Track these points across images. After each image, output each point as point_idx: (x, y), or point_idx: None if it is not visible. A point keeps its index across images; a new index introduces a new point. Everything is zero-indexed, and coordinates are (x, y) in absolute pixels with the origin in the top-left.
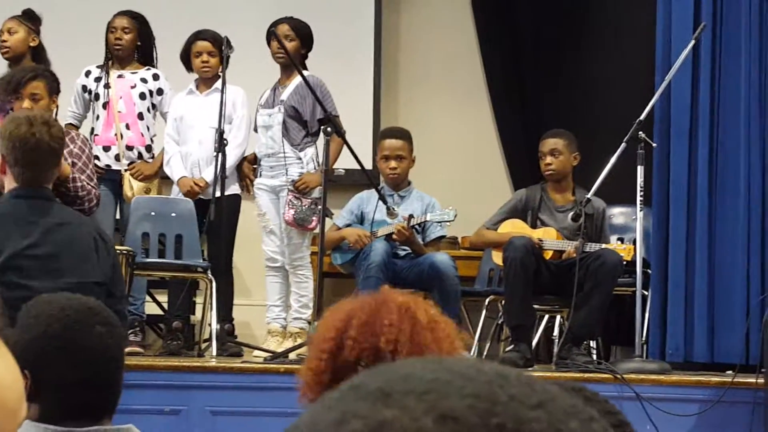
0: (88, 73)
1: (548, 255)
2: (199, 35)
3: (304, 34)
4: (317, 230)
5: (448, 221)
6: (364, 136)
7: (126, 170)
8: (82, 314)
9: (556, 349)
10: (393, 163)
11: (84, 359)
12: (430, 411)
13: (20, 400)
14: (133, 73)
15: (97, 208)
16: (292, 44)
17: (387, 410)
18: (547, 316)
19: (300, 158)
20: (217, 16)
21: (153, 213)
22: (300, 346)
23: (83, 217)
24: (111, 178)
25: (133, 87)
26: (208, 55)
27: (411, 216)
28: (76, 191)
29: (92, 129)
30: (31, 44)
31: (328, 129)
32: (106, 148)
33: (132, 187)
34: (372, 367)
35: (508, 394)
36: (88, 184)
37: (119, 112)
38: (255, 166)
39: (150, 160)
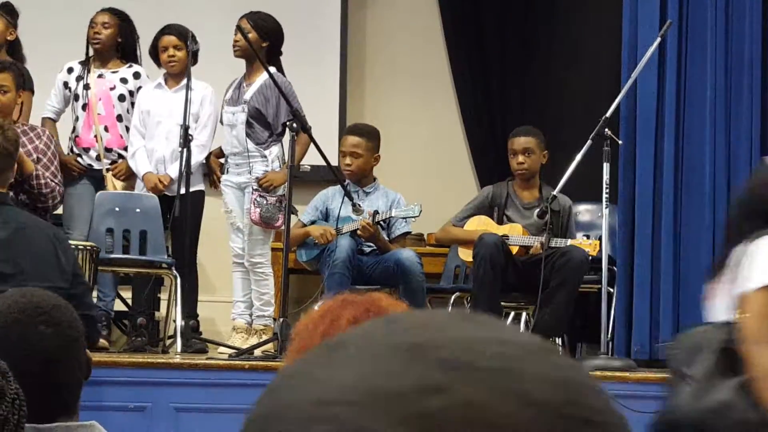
0: (70, 70)
1: (514, 251)
2: (165, 30)
3: (263, 27)
4: (283, 227)
5: (413, 217)
6: (330, 133)
7: (108, 170)
8: (27, 313)
9: None
10: (348, 160)
11: (20, 358)
12: (512, 393)
13: None
14: (113, 72)
15: (59, 205)
16: (249, 36)
17: (468, 387)
18: (513, 313)
19: (265, 156)
20: (184, 12)
21: (117, 208)
22: (265, 342)
23: (39, 220)
24: (93, 175)
25: (112, 89)
26: (174, 50)
27: (376, 212)
28: (39, 188)
29: (73, 128)
30: (9, 38)
31: (294, 125)
32: (87, 149)
33: (115, 186)
34: None
35: (577, 381)
36: (51, 181)
37: (98, 114)
38: (221, 161)
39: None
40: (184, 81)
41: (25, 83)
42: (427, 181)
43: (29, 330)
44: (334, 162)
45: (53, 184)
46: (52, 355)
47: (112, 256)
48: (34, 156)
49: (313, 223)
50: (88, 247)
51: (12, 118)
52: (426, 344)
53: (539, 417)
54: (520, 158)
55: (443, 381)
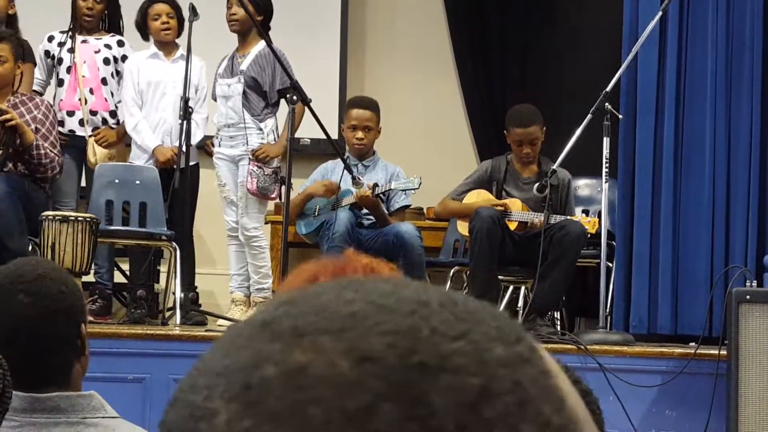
0: (51, 38)
1: (513, 226)
2: None
3: (258, 0)
4: (278, 200)
5: (413, 189)
6: (329, 105)
7: (90, 136)
8: (8, 280)
9: (520, 320)
10: (360, 134)
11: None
12: (348, 353)
13: None
14: (97, 39)
15: (60, 176)
16: (242, 10)
17: (302, 353)
18: (511, 287)
19: (261, 129)
20: None
21: (117, 180)
22: None
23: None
24: (75, 145)
25: (97, 52)
26: (168, 17)
27: (376, 184)
28: (39, 159)
29: (56, 93)
30: (10, 12)
31: (294, 97)
32: (70, 113)
33: (95, 153)
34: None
35: (429, 327)
36: (51, 151)
37: (83, 76)
38: (212, 136)
39: (114, 126)
40: (179, 51)
41: (24, 55)
42: (426, 155)
43: (8, 297)
44: (333, 135)
45: (52, 154)
46: (30, 324)
47: (112, 227)
48: (33, 126)
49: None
50: (88, 219)
51: (11, 89)
52: (278, 317)
53: (373, 371)
54: (527, 149)
55: (277, 350)
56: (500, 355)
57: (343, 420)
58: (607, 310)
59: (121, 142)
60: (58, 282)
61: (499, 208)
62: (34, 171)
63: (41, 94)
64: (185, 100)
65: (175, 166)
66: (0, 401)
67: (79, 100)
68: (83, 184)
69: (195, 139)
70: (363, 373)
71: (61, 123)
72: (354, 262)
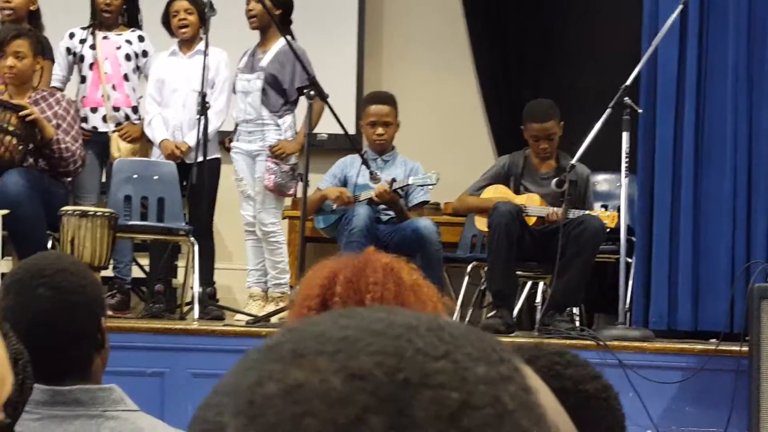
0: (72, 35)
1: (532, 221)
2: None
3: None
4: (296, 196)
5: (431, 185)
6: (346, 100)
7: (113, 131)
8: (29, 274)
9: (538, 316)
10: (380, 129)
11: (20, 318)
12: (340, 371)
13: (4, 375)
14: (118, 35)
15: (82, 170)
16: (259, 6)
17: (299, 372)
18: (530, 283)
19: (278, 125)
20: None
21: (135, 176)
22: (281, 310)
23: None
24: (97, 141)
25: (118, 48)
26: (186, 14)
27: (393, 180)
28: (60, 153)
29: (78, 89)
30: (31, 8)
31: (311, 92)
32: (93, 110)
33: (119, 148)
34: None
35: (414, 348)
36: (72, 145)
37: (105, 73)
38: (231, 132)
39: (137, 122)
40: (198, 46)
41: (44, 51)
42: (444, 151)
43: (28, 291)
44: (350, 130)
45: (74, 148)
46: (49, 317)
47: (130, 222)
48: (54, 122)
49: None
50: (107, 214)
51: (31, 85)
52: (281, 342)
53: (362, 386)
54: (544, 144)
55: (279, 370)
56: (481, 373)
57: (334, 430)
58: (627, 306)
59: (144, 137)
60: (79, 276)
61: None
62: (56, 165)
63: (61, 90)
64: (202, 95)
65: (186, 160)
66: (20, 391)
67: (102, 96)
68: (104, 179)
69: (211, 129)
70: (353, 389)
71: (84, 119)
72: (374, 262)
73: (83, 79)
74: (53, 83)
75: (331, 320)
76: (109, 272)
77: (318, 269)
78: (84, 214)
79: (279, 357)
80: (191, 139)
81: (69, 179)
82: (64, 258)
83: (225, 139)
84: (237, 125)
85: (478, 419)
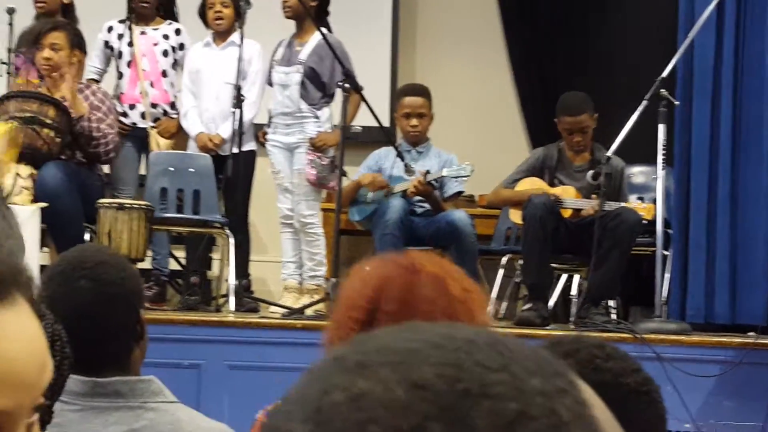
0: (110, 29)
1: (567, 214)
2: None
3: None
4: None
5: (465, 176)
6: (381, 93)
7: (152, 128)
8: (71, 266)
9: (574, 309)
10: (414, 121)
11: (62, 309)
12: (402, 381)
13: (39, 374)
14: (155, 29)
15: (114, 156)
16: None
17: (364, 382)
18: (565, 276)
19: (317, 117)
20: None
21: (171, 168)
22: (317, 302)
23: None
24: (136, 135)
25: (155, 44)
26: (222, 6)
27: (427, 171)
28: (90, 131)
29: (116, 86)
30: (65, 1)
31: (346, 85)
32: (132, 106)
33: (159, 144)
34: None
35: (473, 360)
36: (105, 128)
37: (143, 70)
38: (264, 124)
39: (175, 116)
40: (231, 38)
41: (80, 43)
42: (478, 143)
43: (70, 282)
44: (385, 122)
45: (105, 130)
46: (90, 309)
47: (166, 215)
48: (90, 113)
49: None
50: (143, 207)
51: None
52: (347, 354)
53: (423, 396)
54: (577, 137)
55: (345, 380)
56: (538, 385)
57: None
58: (664, 300)
59: (182, 132)
60: (118, 268)
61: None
62: (86, 145)
63: (98, 82)
64: (237, 88)
65: (221, 153)
66: (59, 372)
67: (140, 93)
68: (143, 172)
69: (245, 120)
70: (414, 398)
71: (123, 115)
72: (423, 275)
73: (120, 75)
74: (89, 76)
75: (394, 334)
76: (145, 264)
77: (363, 277)
78: (120, 207)
79: (345, 368)
80: (225, 131)
81: (105, 172)
82: (104, 250)
83: (259, 132)
84: (271, 117)
85: (535, 429)
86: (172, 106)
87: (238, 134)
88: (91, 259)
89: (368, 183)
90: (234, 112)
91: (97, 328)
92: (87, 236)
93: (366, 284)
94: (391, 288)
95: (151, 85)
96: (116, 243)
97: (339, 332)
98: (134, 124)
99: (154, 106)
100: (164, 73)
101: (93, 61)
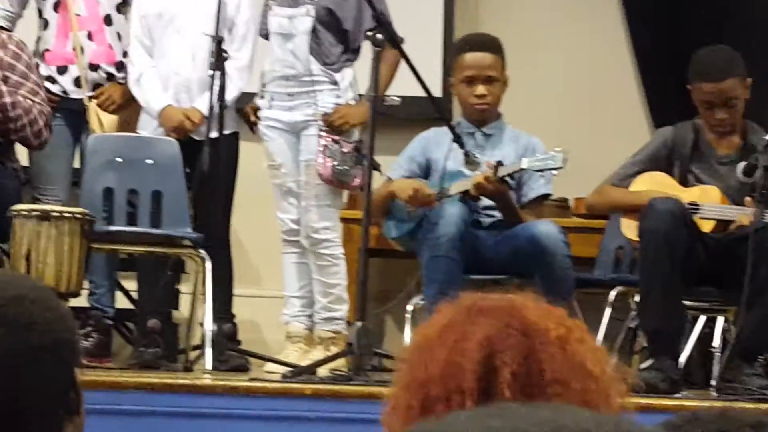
0: None
1: (708, 227)
2: None
3: None
4: (361, 189)
5: (555, 169)
6: (430, 51)
7: (91, 98)
8: None
9: (716, 368)
10: (480, 88)
11: None
12: None
13: None
14: None
15: (49, 135)
16: None
17: None
18: (703, 318)
19: (335, 83)
20: None
21: (120, 159)
22: (334, 357)
23: None
24: (68, 110)
25: None
26: None
27: (500, 163)
28: (5, 111)
29: (38, 39)
30: None
31: (379, 35)
32: (62, 69)
33: (102, 122)
34: None
35: None
36: (29, 98)
37: (77, 15)
38: (255, 94)
39: (124, 82)
40: None
41: None
42: (574, 122)
43: None
44: (436, 92)
45: (27, 104)
46: (3, 368)
47: (112, 228)
48: (0, 74)
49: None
50: (78, 215)
51: None
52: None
53: None
54: (721, 114)
55: None
56: None
57: None
58: None
59: (135, 103)
60: (42, 307)
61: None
62: (5, 133)
63: (8, 31)
64: (217, 41)
65: (197, 137)
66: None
67: (74, 49)
68: (77, 164)
69: (229, 96)
70: None
71: (49, 80)
72: (541, 332)
73: (45, 24)
74: None
75: (481, 421)
76: (80, 301)
77: (452, 341)
78: (45, 216)
79: None
80: (203, 105)
81: (22, 164)
82: (19, 281)
83: (246, 106)
84: (265, 84)
85: None
86: (120, 67)
87: (219, 110)
88: (2, 294)
89: (407, 199)
90: (213, 76)
91: (12, 396)
92: None
93: (464, 341)
94: (505, 352)
95: (89, 36)
96: (38, 269)
97: (425, 405)
98: (65, 93)
99: (93, 67)
100: (108, 20)
101: (2, 3)
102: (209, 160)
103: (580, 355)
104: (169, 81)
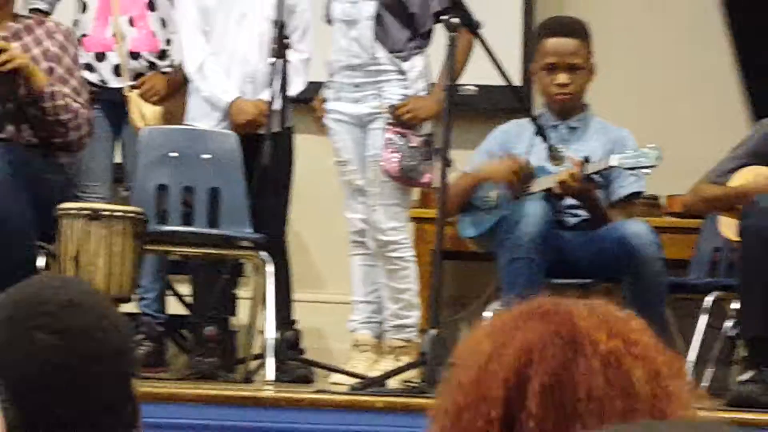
0: None
1: None
2: None
3: None
4: (431, 186)
5: (648, 167)
6: (509, 36)
7: (132, 88)
8: (19, 311)
9: None
10: (562, 77)
11: (9, 377)
12: None
13: None
14: None
15: (89, 139)
16: None
17: None
18: None
19: (403, 72)
20: None
21: (174, 154)
22: (406, 368)
23: None
24: (107, 101)
25: None
26: None
27: (586, 159)
28: (56, 113)
29: (74, 23)
30: None
31: (453, 19)
32: (100, 56)
33: (143, 114)
34: None
35: None
36: (74, 100)
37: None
38: (321, 83)
39: (168, 71)
40: None
41: None
42: (665, 115)
43: (19, 337)
44: (516, 81)
45: (76, 105)
46: (55, 378)
47: (165, 228)
48: (45, 65)
49: None
50: (130, 215)
51: (9, 11)
52: None
53: None
54: None
55: None
56: None
57: None
58: None
59: (179, 94)
60: (96, 313)
61: None
62: (49, 133)
63: (48, 14)
64: (279, 27)
65: (262, 131)
66: None
67: (114, 35)
68: (118, 159)
69: (294, 90)
70: None
71: (88, 69)
72: (585, 347)
73: (84, 7)
74: (36, 4)
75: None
76: (130, 306)
77: (493, 346)
78: (95, 215)
79: None
80: (268, 97)
81: (71, 160)
82: (72, 285)
83: (316, 98)
84: (332, 75)
85: None
86: (163, 55)
87: (283, 102)
88: (53, 299)
89: (501, 177)
90: (274, 65)
91: (65, 408)
92: (41, 261)
93: (497, 358)
94: (540, 373)
95: (131, 22)
96: (88, 272)
97: (465, 420)
98: (103, 83)
99: (134, 56)
100: (151, 5)
101: None
102: (270, 156)
103: (630, 373)
104: (231, 71)
